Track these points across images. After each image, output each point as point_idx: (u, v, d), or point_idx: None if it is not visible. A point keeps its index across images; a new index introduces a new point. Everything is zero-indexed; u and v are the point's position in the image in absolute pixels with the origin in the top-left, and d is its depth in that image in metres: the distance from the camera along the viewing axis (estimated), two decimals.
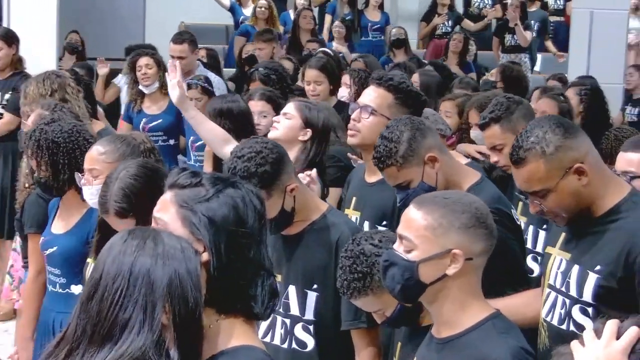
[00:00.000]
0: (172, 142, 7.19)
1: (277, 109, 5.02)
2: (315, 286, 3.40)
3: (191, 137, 6.60)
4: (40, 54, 8.20)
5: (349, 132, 4.05)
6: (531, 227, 4.35)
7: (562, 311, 3.06)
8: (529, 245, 4.25)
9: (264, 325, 3.42)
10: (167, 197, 2.23)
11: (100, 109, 6.77)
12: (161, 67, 7.19)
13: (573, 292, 3.01)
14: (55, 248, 4.14)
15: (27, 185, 4.74)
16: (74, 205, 4.11)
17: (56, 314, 4.13)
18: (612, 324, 1.86)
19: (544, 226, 4.22)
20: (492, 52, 12.10)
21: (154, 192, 3.16)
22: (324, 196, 4.21)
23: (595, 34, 9.11)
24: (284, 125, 4.41)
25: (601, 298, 2.94)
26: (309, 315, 3.42)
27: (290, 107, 4.48)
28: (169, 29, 9.92)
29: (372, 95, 4.01)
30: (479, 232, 2.55)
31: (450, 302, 2.54)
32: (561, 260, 3.09)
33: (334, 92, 6.51)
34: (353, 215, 4.04)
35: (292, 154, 4.15)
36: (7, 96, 7.22)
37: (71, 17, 10.48)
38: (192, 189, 2.21)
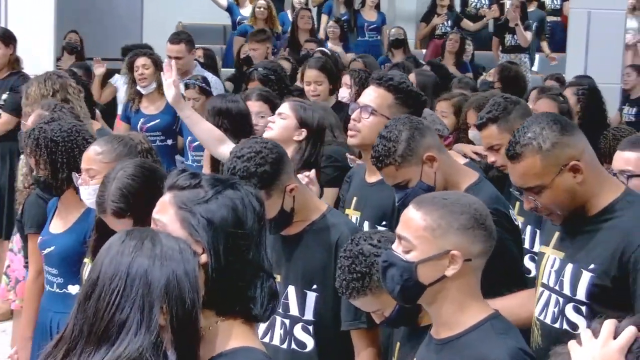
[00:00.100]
0: (169, 142, 7.18)
1: (274, 109, 5.02)
2: (314, 286, 3.40)
3: (189, 137, 6.59)
4: (38, 54, 8.20)
5: (349, 132, 4.05)
6: (529, 227, 4.35)
7: (556, 310, 3.06)
8: (526, 245, 4.25)
9: (263, 325, 3.41)
10: (166, 198, 2.23)
11: (96, 110, 6.77)
12: (158, 67, 7.18)
13: (567, 290, 3.02)
14: (52, 248, 4.14)
15: (27, 185, 4.74)
16: (72, 204, 4.11)
17: (53, 314, 4.13)
18: (609, 324, 1.86)
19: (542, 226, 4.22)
20: (489, 51, 12.11)
21: (151, 192, 3.17)
22: (319, 196, 4.21)
23: (593, 34, 9.11)
24: (279, 125, 4.41)
25: (595, 297, 2.94)
26: (309, 315, 3.41)
27: (285, 107, 4.48)
28: (167, 29, 9.92)
29: (372, 95, 4.01)
30: (478, 233, 2.55)
31: (449, 303, 2.54)
32: (555, 259, 3.10)
33: (332, 91, 6.52)
34: (353, 215, 4.04)
35: (287, 153, 4.14)
36: (4, 96, 7.22)
37: (69, 17, 10.48)
38: (191, 190, 2.20)
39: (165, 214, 2.21)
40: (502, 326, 2.54)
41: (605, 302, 2.91)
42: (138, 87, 7.27)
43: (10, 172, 6.93)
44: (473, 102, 5.69)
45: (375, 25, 12.29)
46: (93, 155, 3.77)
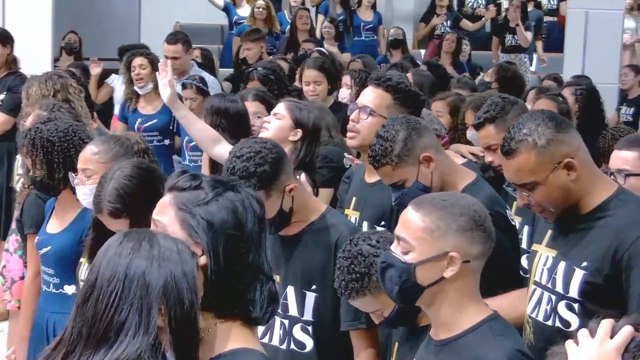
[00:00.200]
0: (167, 142, 7.18)
1: (270, 109, 5.02)
2: (314, 287, 3.40)
3: (186, 137, 6.60)
4: (36, 54, 8.20)
5: (348, 133, 4.04)
6: (526, 227, 4.35)
7: (548, 307, 3.07)
8: (523, 245, 4.24)
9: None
10: (167, 199, 2.23)
11: (93, 110, 6.76)
12: (155, 67, 7.17)
13: (559, 288, 3.03)
14: (49, 248, 4.14)
15: (26, 185, 4.74)
16: (69, 204, 4.11)
17: (50, 314, 4.13)
18: (606, 324, 1.86)
19: None
20: (487, 51, 12.12)
21: (148, 192, 3.18)
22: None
23: (591, 34, 9.13)
24: (275, 125, 4.41)
25: (587, 294, 2.96)
26: (308, 316, 3.41)
27: (280, 108, 4.48)
28: (165, 29, 9.91)
29: (370, 95, 4.00)
30: (477, 234, 2.54)
31: (448, 305, 2.54)
32: (547, 257, 3.11)
33: (331, 91, 6.51)
34: (352, 215, 4.04)
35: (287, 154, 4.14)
36: (2, 96, 7.21)
37: (67, 17, 10.48)
38: (191, 191, 2.20)
39: (165, 215, 2.21)
40: (500, 328, 2.54)
41: (598, 299, 2.93)
42: (135, 87, 7.26)
43: (8, 172, 6.92)
44: (471, 102, 5.69)
45: (371, 25, 12.29)
46: (89, 155, 3.77)
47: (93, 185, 3.57)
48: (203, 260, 2.13)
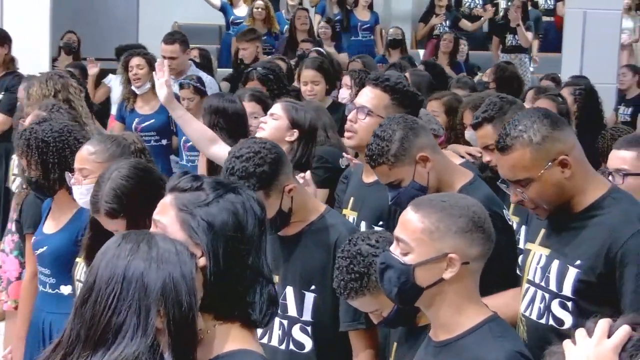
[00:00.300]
0: (164, 142, 7.18)
1: (266, 109, 5.02)
2: (313, 287, 3.39)
3: (183, 137, 6.59)
4: (34, 54, 8.20)
5: (346, 134, 4.04)
6: (523, 228, 4.34)
7: (542, 305, 3.08)
8: (521, 245, 4.24)
9: None
10: (167, 200, 2.22)
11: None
12: (153, 67, 7.16)
13: (553, 286, 3.04)
14: (45, 248, 4.13)
15: (25, 186, 4.73)
16: (65, 204, 4.10)
17: (46, 314, 4.12)
18: (603, 323, 1.86)
19: None
20: (485, 51, 12.12)
21: (145, 193, 3.18)
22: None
23: (589, 34, 9.13)
24: (271, 125, 4.41)
25: (581, 292, 2.97)
26: (307, 316, 3.41)
27: (277, 108, 4.48)
28: (163, 29, 9.90)
29: (368, 96, 4.00)
30: (476, 236, 2.54)
31: (447, 306, 2.54)
32: (541, 255, 3.13)
33: (329, 91, 6.51)
34: (350, 215, 4.04)
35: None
36: None
37: (66, 17, 10.48)
38: (192, 192, 2.20)
39: (166, 215, 2.20)
40: (499, 329, 2.54)
41: (591, 298, 2.94)
42: (133, 87, 7.26)
43: (5, 173, 6.92)
44: (469, 102, 5.68)
45: (368, 25, 12.30)
46: (86, 154, 3.77)
47: (90, 185, 3.56)
48: (203, 261, 2.13)
